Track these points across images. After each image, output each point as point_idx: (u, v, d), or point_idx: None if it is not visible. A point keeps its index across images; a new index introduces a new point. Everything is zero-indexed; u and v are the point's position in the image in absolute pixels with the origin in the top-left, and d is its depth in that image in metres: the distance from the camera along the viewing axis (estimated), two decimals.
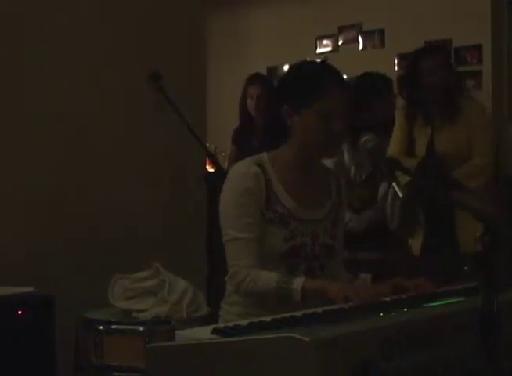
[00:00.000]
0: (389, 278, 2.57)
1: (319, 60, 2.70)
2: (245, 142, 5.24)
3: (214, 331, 1.90)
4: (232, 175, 2.63)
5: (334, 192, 2.75)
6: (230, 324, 2.01)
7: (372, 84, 4.61)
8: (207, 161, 5.01)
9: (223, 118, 6.15)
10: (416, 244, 4.34)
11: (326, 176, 2.76)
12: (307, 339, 1.61)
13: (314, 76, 2.58)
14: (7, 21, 4.03)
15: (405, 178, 3.84)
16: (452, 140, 4.21)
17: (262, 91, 5.23)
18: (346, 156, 4.52)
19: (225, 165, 5.14)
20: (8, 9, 4.03)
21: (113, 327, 3.45)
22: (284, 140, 2.66)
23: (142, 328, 3.39)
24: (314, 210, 2.65)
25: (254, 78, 5.39)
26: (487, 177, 4.20)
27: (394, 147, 4.36)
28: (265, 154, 2.66)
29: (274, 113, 2.65)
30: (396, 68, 5.84)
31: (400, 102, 5.15)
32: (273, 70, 6.23)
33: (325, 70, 2.61)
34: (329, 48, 6.19)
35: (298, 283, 2.42)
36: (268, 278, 2.48)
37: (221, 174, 4.65)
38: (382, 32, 5.96)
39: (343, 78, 2.65)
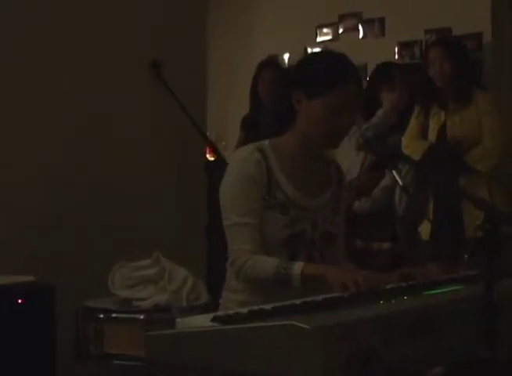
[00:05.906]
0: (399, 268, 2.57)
1: (338, 52, 2.66)
2: (253, 129, 5.19)
3: (215, 319, 1.90)
4: (234, 161, 2.64)
5: (335, 181, 2.75)
6: (230, 312, 2.01)
7: None
8: (208, 150, 5.00)
9: (223, 107, 6.13)
10: (425, 231, 4.37)
11: (326, 166, 2.76)
12: (307, 327, 1.61)
13: (334, 67, 2.55)
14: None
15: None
16: (463, 125, 4.34)
17: (274, 75, 5.15)
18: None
19: (225, 154, 5.12)
20: None
21: (114, 315, 3.45)
22: (290, 127, 2.65)
23: (142, 316, 3.39)
24: (314, 198, 2.65)
25: (267, 62, 5.33)
26: (496, 160, 4.28)
27: (408, 133, 4.50)
28: (266, 141, 2.65)
29: (284, 98, 2.62)
30: (396, 57, 5.82)
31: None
32: None
33: (346, 63, 2.57)
34: (329, 37, 6.17)
35: (297, 267, 2.42)
36: (268, 263, 2.47)
37: (221, 162, 4.66)
38: (382, 21, 5.95)
39: (358, 73, 2.67)
